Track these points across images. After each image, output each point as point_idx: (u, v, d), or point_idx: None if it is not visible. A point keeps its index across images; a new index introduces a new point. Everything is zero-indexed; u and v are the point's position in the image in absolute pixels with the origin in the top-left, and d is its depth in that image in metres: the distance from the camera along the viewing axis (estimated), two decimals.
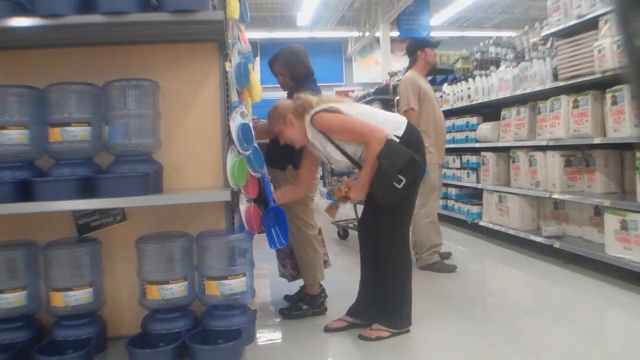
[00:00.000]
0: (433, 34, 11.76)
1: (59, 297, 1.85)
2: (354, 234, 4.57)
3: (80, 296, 1.87)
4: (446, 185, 5.42)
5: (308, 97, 2.34)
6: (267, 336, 2.52)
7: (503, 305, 2.90)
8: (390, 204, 2.24)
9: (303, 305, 2.73)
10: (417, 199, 2.62)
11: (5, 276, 1.87)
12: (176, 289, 1.90)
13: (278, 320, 2.72)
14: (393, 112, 6.01)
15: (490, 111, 4.88)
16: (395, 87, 6.62)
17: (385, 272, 2.39)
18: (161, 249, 1.92)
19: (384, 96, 7.15)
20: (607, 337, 2.50)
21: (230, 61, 1.97)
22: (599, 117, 3.32)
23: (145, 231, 2.03)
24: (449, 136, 4.82)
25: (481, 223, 4.71)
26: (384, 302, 2.41)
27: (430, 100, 3.65)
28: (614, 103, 3.13)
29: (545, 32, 3.92)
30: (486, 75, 4.78)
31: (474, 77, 5.01)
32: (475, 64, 5.23)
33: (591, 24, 3.30)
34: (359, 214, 2.79)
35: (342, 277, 3.43)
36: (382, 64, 12.02)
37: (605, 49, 3.07)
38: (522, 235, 4.08)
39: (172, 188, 2.07)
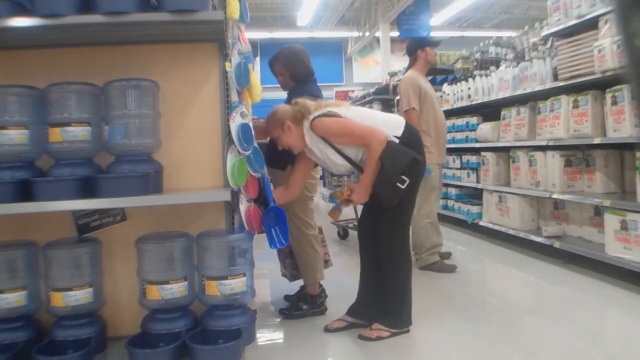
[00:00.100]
0: (433, 34, 11.77)
1: (59, 297, 1.85)
2: (354, 234, 4.57)
3: (80, 296, 1.87)
4: (446, 185, 5.42)
5: (306, 103, 2.34)
6: (267, 336, 2.52)
7: (503, 305, 2.90)
8: (393, 204, 2.25)
9: (303, 305, 2.73)
10: (417, 199, 2.62)
11: (5, 276, 1.87)
12: (176, 289, 1.90)
13: (278, 320, 2.72)
14: (393, 112, 6.02)
15: (490, 111, 4.88)
16: (395, 87, 6.62)
17: (385, 272, 2.39)
18: (161, 249, 1.92)
19: (384, 96, 7.14)
20: (607, 337, 2.50)
21: (230, 61, 1.97)
22: (599, 117, 3.32)
23: (145, 231, 2.03)
24: (449, 136, 4.82)
25: (481, 223, 4.71)
26: (384, 302, 2.41)
27: (431, 100, 3.64)
28: (614, 103, 3.13)
29: (545, 32, 3.92)
30: (486, 75, 4.78)
31: (474, 77, 5.01)
32: (475, 64, 5.23)
33: (591, 24, 3.30)
34: (359, 214, 2.79)
35: (342, 277, 3.43)
36: (382, 64, 12.03)
37: (605, 49, 3.07)
38: (522, 235, 4.08)
39: (172, 188, 2.07)
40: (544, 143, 3.76)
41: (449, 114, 5.29)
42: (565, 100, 3.55)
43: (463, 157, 5.19)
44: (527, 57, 4.30)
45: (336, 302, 2.79)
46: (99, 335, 1.95)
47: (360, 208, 2.60)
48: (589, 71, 3.27)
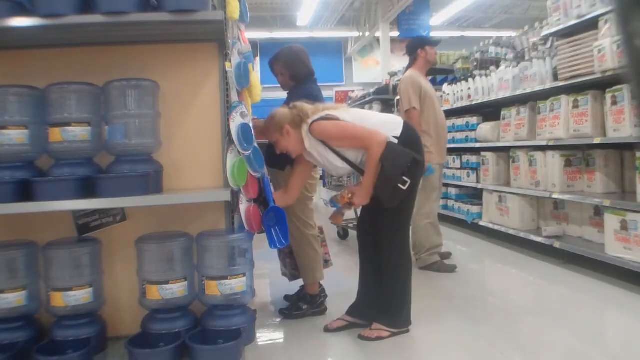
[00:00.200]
0: (433, 34, 11.77)
1: (59, 297, 1.85)
2: (354, 234, 4.57)
3: (80, 296, 1.87)
4: (446, 185, 5.42)
5: (304, 106, 2.34)
6: (267, 336, 2.52)
7: (503, 305, 2.90)
8: (394, 205, 2.25)
9: (303, 305, 2.73)
10: (418, 199, 2.62)
11: (5, 276, 1.87)
12: (176, 289, 1.90)
13: (278, 320, 2.72)
14: (393, 112, 6.02)
15: (490, 111, 4.88)
16: (395, 87, 6.61)
17: (385, 272, 2.39)
18: (161, 249, 1.92)
19: (384, 96, 7.14)
20: (607, 337, 2.50)
21: (230, 61, 1.97)
22: (599, 117, 3.32)
23: (145, 231, 2.03)
24: (449, 136, 4.82)
25: (481, 223, 4.71)
26: (383, 302, 2.41)
27: (431, 100, 3.63)
28: (614, 103, 3.13)
29: (545, 32, 3.92)
30: (486, 75, 4.78)
31: (474, 77, 5.01)
32: (475, 64, 5.23)
33: (591, 24, 3.30)
34: (359, 215, 2.79)
35: (342, 277, 3.43)
36: (382, 64, 12.02)
37: (605, 49, 3.07)
38: (522, 235, 4.08)
39: (172, 188, 2.07)
40: (544, 143, 3.76)
41: (449, 114, 5.29)
42: (565, 100, 3.55)
43: (463, 157, 5.19)
44: (527, 57, 4.30)
45: (336, 302, 2.79)
46: (99, 335, 1.95)
47: (360, 208, 2.60)
48: (589, 71, 3.27)
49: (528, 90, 3.98)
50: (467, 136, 5.13)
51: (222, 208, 2.14)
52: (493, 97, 4.56)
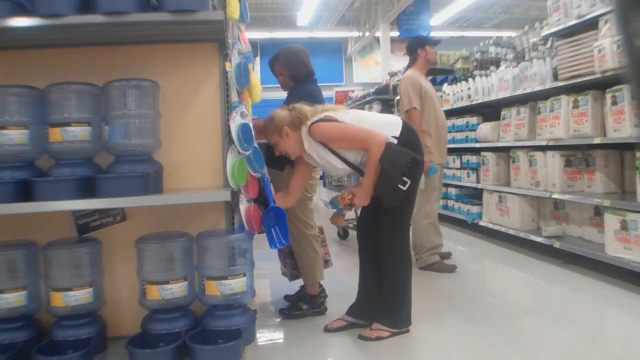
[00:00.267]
0: (433, 34, 11.76)
1: (59, 297, 1.85)
2: (354, 234, 4.57)
3: (80, 296, 1.87)
4: (446, 185, 5.42)
5: (303, 108, 2.34)
6: (267, 336, 2.52)
7: (503, 305, 2.90)
8: (394, 206, 2.25)
9: (303, 305, 2.73)
10: (418, 199, 2.62)
11: (5, 276, 1.87)
12: (176, 289, 1.90)
13: (278, 320, 2.72)
14: (393, 112, 6.02)
15: (490, 111, 4.88)
16: (395, 87, 6.62)
17: (385, 272, 2.39)
18: (161, 249, 1.92)
19: (384, 96, 7.15)
20: (607, 337, 2.50)
21: (230, 61, 1.97)
22: (599, 117, 3.32)
23: (145, 231, 2.03)
24: (449, 136, 4.83)
25: (481, 223, 4.71)
26: (383, 301, 2.41)
27: (431, 99, 3.62)
28: (614, 103, 3.13)
29: (545, 32, 3.92)
30: (486, 75, 4.78)
31: (474, 77, 5.01)
32: (475, 64, 5.23)
33: (591, 24, 3.30)
34: (359, 214, 2.79)
35: (342, 277, 3.43)
36: (382, 64, 12.02)
37: (605, 49, 3.07)
38: (522, 235, 4.08)
39: (172, 188, 2.07)
40: (544, 143, 3.76)
41: (449, 114, 5.29)
42: (565, 100, 3.55)
43: (463, 157, 5.19)
44: (527, 57, 4.30)
45: (336, 302, 2.79)
46: (99, 335, 1.95)
47: (360, 208, 2.60)
48: (589, 71, 3.27)
49: (528, 90, 3.98)
50: (467, 136, 5.13)
51: (222, 208, 2.14)
52: (493, 97, 4.56)
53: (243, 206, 2.01)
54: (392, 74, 7.55)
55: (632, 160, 3.32)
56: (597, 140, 3.27)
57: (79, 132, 1.80)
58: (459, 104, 5.25)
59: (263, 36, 13.89)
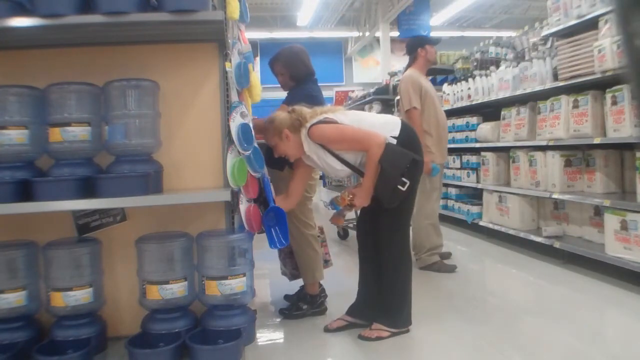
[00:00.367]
0: (433, 34, 11.75)
1: (59, 297, 1.85)
2: (354, 234, 4.57)
3: (80, 296, 1.87)
4: (446, 185, 5.42)
5: (302, 110, 2.34)
6: (267, 336, 2.52)
7: (503, 305, 2.90)
8: (394, 206, 2.25)
9: (303, 305, 2.73)
10: (418, 200, 2.62)
11: (5, 276, 1.87)
12: (176, 289, 1.90)
13: (278, 320, 2.72)
14: (393, 112, 6.02)
15: (490, 111, 4.88)
16: (395, 87, 6.61)
17: (385, 272, 2.39)
18: (161, 249, 1.92)
19: (384, 96, 7.14)
20: (607, 337, 2.50)
21: (230, 61, 1.97)
22: (599, 117, 3.32)
23: (145, 231, 2.03)
24: (449, 136, 4.83)
25: (481, 223, 4.71)
26: (383, 301, 2.41)
27: (431, 99, 3.61)
28: (614, 103, 3.13)
29: (545, 32, 3.91)
30: (486, 75, 4.78)
31: (474, 77, 5.01)
32: (475, 64, 5.23)
33: (591, 24, 3.30)
34: (358, 215, 2.79)
35: (342, 277, 3.43)
36: (382, 64, 12.02)
37: (605, 49, 3.07)
38: (522, 235, 4.08)
39: (172, 188, 2.07)
40: (544, 143, 3.76)
41: (449, 114, 5.28)
42: (565, 100, 3.55)
43: (463, 157, 5.19)
44: (527, 57, 4.30)
45: (336, 302, 2.79)
46: (99, 335, 1.95)
47: (359, 208, 2.60)
48: (589, 71, 3.27)
49: (528, 90, 3.98)
50: (467, 136, 5.13)
51: (222, 208, 2.14)
52: (493, 97, 4.56)
53: (243, 206, 2.01)
54: (392, 74, 7.54)
55: (632, 160, 3.32)
56: (597, 140, 3.27)
57: (79, 132, 1.80)
58: (459, 104, 5.25)
59: (263, 36, 13.89)
